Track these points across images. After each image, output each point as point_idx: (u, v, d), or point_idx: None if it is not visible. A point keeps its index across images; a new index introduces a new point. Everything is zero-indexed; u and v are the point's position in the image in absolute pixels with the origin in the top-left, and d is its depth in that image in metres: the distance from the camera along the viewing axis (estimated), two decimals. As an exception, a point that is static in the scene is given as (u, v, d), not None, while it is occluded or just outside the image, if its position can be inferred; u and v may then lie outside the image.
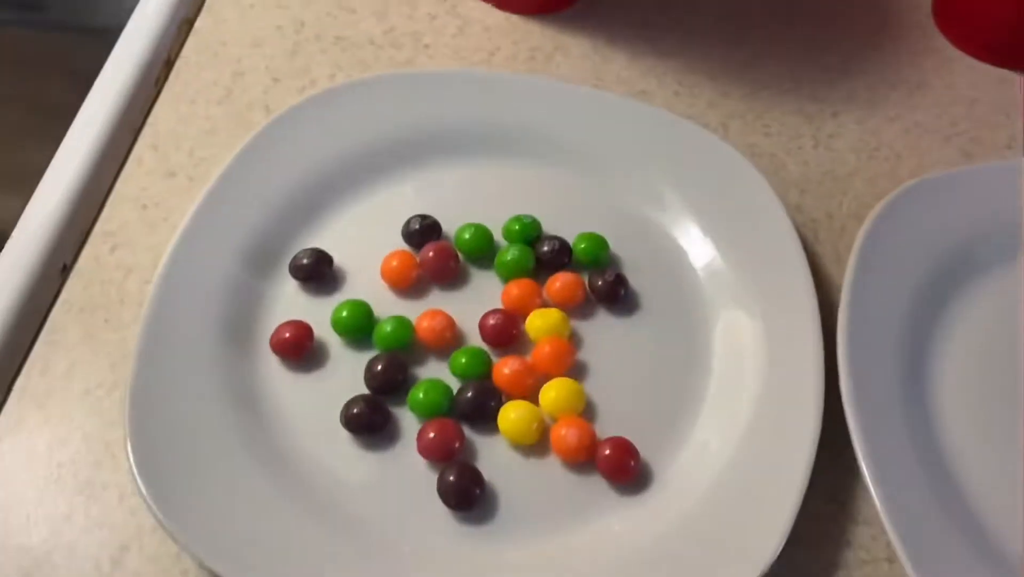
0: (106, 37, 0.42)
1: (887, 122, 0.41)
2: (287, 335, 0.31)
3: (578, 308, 0.33)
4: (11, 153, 0.42)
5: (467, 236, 0.34)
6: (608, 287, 0.33)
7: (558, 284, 0.33)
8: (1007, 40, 0.43)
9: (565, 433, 0.29)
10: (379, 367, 0.30)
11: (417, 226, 0.34)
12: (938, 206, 0.35)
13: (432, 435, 0.28)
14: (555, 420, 0.30)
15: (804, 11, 0.45)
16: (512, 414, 0.29)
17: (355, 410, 0.29)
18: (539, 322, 0.32)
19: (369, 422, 0.29)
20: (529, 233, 0.34)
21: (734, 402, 0.30)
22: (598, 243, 0.34)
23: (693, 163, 0.36)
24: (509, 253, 0.33)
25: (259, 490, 0.28)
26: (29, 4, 0.57)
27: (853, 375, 0.30)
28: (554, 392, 0.30)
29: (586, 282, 0.33)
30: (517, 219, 0.34)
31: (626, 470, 0.29)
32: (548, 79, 0.41)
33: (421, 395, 0.29)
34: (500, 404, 0.30)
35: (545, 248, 0.34)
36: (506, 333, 0.31)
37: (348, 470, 0.29)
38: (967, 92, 0.42)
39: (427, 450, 0.28)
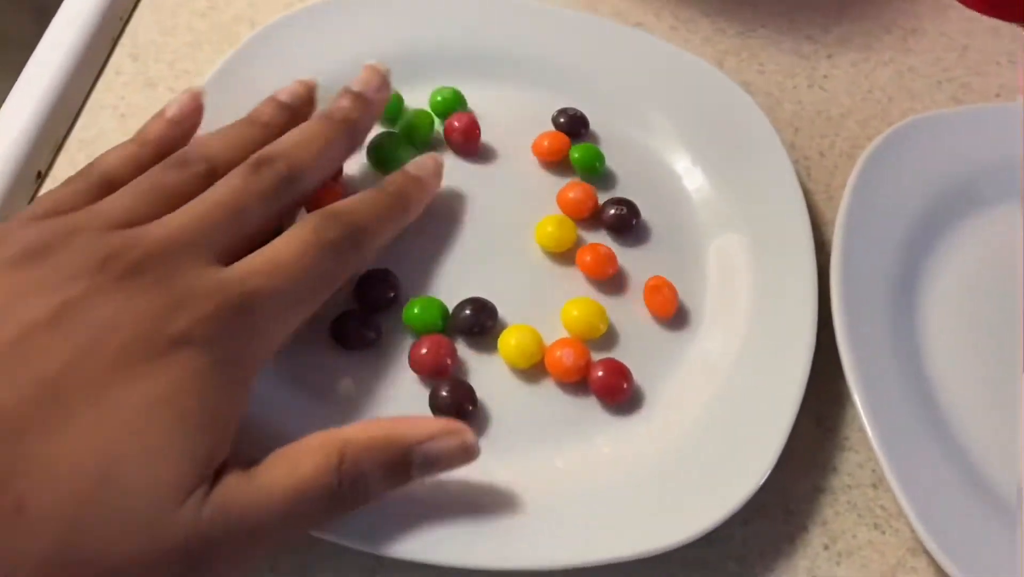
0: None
1: (880, 65, 0.41)
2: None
3: (582, 222, 0.33)
4: None
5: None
6: (619, 219, 0.32)
7: (571, 194, 0.32)
8: (1000, -9, 0.43)
9: (561, 354, 0.28)
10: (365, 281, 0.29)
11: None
12: (929, 146, 0.35)
13: (425, 351, 0.28)
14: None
15: (801, -47, 0.45)
16: (512, 340, 0.29)
17: (345, 325, 0.28)
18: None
19: (360, 337, 0.28)
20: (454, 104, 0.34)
21: (727, 327, 0.30)
22: (593, 153, 0.34)
23: (687, 92, 0.36)
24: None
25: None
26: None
27: (846, 306, 0.30)
28: (577, 311, 0.30)
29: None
30: (439, 91, 0.35)
31: (619, 391, 0.28)
32: (545, 5, 0.40)
33: (416, 311, 0.29)
34: (497, 323, 0.29)
35: (562, 120, 0.35)
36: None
37: (339, 384, 0.28)
38: (960, 40, 0.42)
39: (420, 365, 0.28)
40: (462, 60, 0.36)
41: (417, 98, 0.35)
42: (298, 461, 0.21)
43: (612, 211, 0.32)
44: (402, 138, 0.33)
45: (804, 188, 0.35)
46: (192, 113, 0.27)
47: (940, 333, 0.32)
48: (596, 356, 0.29)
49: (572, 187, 0.33)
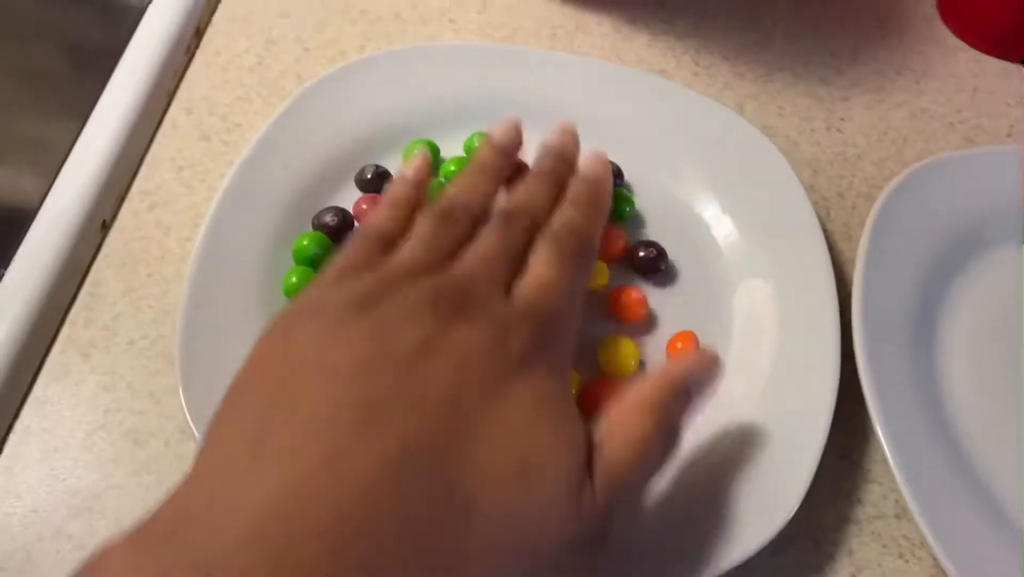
0: (121, 14, 0.42)
1: (894, 107, 0.43)
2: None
3: (612, 264, 0.35)
4: (22, 128, 0.42)
5: (453, 168, 0.36)
6: (648, 261, 0.34)
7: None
8: (1008, 33, 0.45)
9: (598, 395, 0.30)
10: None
11: (369, 175, 0.36)
12: (945, 186, 0.37)
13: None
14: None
15: (815, -1, 0.47)
16: None
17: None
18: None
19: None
20: None
21: (754, 364, 0.32)
22: (623, 197, 0.36)
23: (712, 138, 0.38)
24: None
25: None
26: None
27: (867, 341, 0.32)
28: (611, 349, 0.32)
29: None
30: (478, 135, 0.37)
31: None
32: (572, 54, 0.42)
33: None
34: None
35: None
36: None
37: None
38: (970, 81, 0.44)
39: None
40: (493, 110, 0.38)
41: (455, 148, 0.37)
42: (628, 430, 0.24)
43: (642, 253, 0.34)
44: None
45: (824, 228, 0.36)
46: (427, 171, 0.31)
47: (959, 367, 0.33)
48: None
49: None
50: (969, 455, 0.31)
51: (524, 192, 0.30)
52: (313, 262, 0.33)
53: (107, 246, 0.34)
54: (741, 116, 0.39)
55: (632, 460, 0.24)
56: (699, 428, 0.31)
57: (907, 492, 0.29)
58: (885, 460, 0.29)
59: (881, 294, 0.33)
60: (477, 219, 0.29)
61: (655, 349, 0.33)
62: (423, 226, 0.28)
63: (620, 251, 0.35)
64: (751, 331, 0.33)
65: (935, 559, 0.28)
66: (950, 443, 0.31)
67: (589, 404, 0.30)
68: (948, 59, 0.45)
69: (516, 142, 0.32)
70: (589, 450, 0.24)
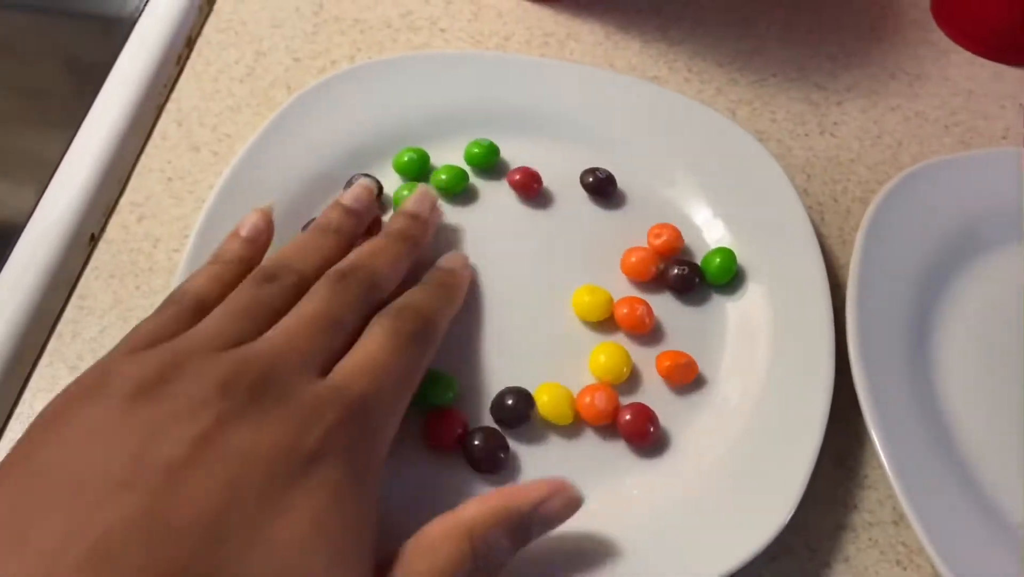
0: (111, 26, 0.42)
1: (888, 111, 0.42)
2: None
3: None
4: (12, 141, 0.42)
5: (443, 176, 0.35)
6: (681, 279, 0.33)
7: (633, 259, 0.34)
8: (1002, 36, 0.44)
9: (591, 399, 0.30)
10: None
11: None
12: (939, 189, 0.37)
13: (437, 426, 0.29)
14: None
15: (807, 3, 0.47)
16: (545, 397, 0.30)
17: None
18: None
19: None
20: (489, 156, 0.36)
21: (748, 371, 0.32)
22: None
23: (705, 144, 0.37)
24: None
25: None
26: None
27: (862, 346, 0.31)
28: (604, 356, 0.31)
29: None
30: (476, 143, 0.36)
31: (646, 434, 0.30)
32: (564, 62, 0.42)
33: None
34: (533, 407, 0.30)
35: (591, 179, 0.36)
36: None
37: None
38: (964, 84, 0.44)
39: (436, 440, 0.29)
40: (485, 118, 0.38)
41: (445, 156, 0.37)
42: (434, 553, 0.22)
43: (676, 271, 0.34)
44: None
45: (818, 233, 0.36)
46: (265, 229, 0.28)
47: (955, 371, 0.33)
48: (622, 400, 0.31)
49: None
50: (966, 460, 0.30)
51: (367, 250, 0.27)
52: None
53: (95, 259, 0.34)
54: (734, 121, 0.39)
55: None
56: (692, 434, 0.30)
57: (904, 498, 0.28)
58: (881, 466, 0.29)
59: (876, 298, 0.33)
60: (306, 283, 0.25)
61: (645, 356, 0.32)
62: (238, 291, 0.25)
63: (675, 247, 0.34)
64: (745, 336, 0.33)
65: (933, 566, 0.28)
66: (947, 448, 0.31)
67: (587, 413, 0.30)
68: (942, 62, 0.45)
69: (369, 205, 0.30)
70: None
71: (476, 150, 0.37)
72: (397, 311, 0.26)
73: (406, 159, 0.36)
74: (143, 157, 0.37)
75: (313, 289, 0.25)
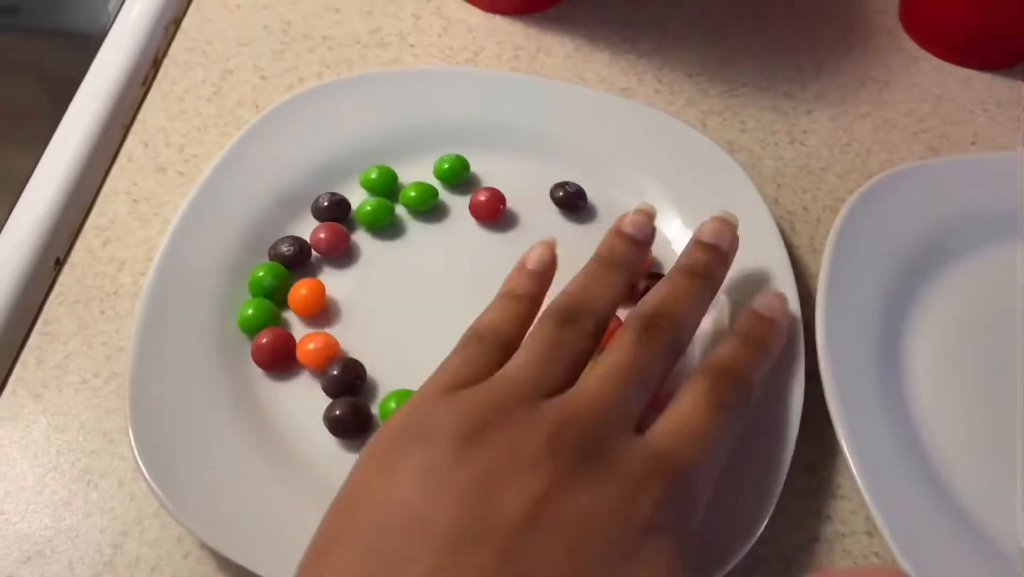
0: (81, 42, 0.42)
1: (858, 119, 0.43)
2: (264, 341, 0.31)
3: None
4: None
5: (413, 194, 0.35)
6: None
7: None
8: (970, 41, 0.45)
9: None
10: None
11: (326, 203, 0.35)
12: (909, 197, 0.37)
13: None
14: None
15: (777, 13, 0.47)
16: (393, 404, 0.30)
17: (337, 412, 0.30)
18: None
19: (351, 426, 0.30)
20: (459, 171, 0.36)
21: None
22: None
23: (675, 156, 0.37)
24: None
25: (256, 471, 0.28)
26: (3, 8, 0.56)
27: (832, 357, 0.31)
28: None
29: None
30: (445, 158, 0.36)
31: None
32: (533, 76, 0.42)
33: (393, 405, 0.29)
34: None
35: (560, 193, 0.36)
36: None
37: (339, 453, 0.29)
38: (933, 90, 0.44)
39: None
40: (454, 134, 0.38)
41: (416, 171, 0.37)
42: None
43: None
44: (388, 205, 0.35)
45: (789, 243, 0.36)
46: (551, 262, 0.28)
47: (925, 379, 0.33)
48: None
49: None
50: (938, 468, 0.30)
51: (669, 294, 0.26)
52: (269, 293, 0.32)
53: (60, 284, 0.34)
54: (704, 133, 0.39)
55: None
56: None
57: (875, 508, 0.28)
58: (854, 477, 0.29)
59: (845, 308, 0.33)
60: (604, 324, 0.25)
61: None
62: (540, 331, 0.24)
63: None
64: (714, 345, 0.32)
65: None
66: (918, 457, 0.30)
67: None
68: (911, 69, 0.45)
69: (650, 231, 0.28)
70: None
71: (446, 165, 0.36)
72: (717, 376, 0.25)
73: (373, 176, 0.36)
74: (108, 179, 0.37)
75: (619, 338, 0.25)
